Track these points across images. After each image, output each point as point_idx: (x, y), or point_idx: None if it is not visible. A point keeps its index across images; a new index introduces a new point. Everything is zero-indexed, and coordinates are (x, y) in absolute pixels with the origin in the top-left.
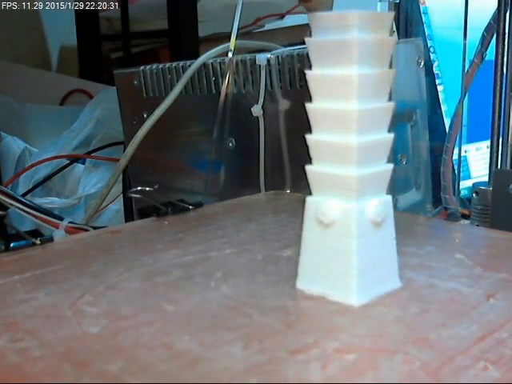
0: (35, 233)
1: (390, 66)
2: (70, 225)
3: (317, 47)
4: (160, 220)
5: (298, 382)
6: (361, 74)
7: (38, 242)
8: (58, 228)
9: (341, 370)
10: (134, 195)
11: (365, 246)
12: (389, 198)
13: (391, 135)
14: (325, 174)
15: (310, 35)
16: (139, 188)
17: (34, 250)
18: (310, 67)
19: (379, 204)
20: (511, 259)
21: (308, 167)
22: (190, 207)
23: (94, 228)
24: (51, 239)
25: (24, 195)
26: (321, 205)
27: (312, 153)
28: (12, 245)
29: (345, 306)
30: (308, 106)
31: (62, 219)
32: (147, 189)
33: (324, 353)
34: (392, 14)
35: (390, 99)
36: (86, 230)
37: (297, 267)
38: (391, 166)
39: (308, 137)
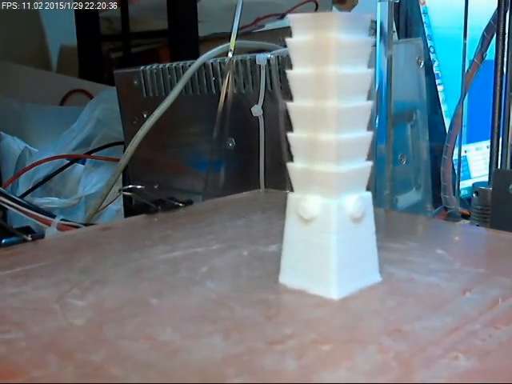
0: (27, 230)
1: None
2: (62, 222)
3: (297, 47)
4: (150, 217)
5: (273, 371)
6: (339, 74)
7: (29, 238)
8: (50, 225)
9: (316, 360)
10: (125, 193)
11: (344, 241)
12: (368, 194)
13: (370, 133)
14: (305, 171)
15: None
16: (130, 186)
17: (25, 246)
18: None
19: (358, 200)
20: (491, 255)
21: (289, 164)
22: (180, 205)
23: (86, 225)
24: (42, 236)
25: (24, 195)
26: (301, 201)
27: (293, 150)
28: (3, 241)
29: (324, 299)
30: (289, 104)
31: (54, 217)
32: (138, 187)
33: (301, 344)
34: (369, 16)
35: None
36: (78, 228)
37: None
38: (370, 163)
39: (289, 135)
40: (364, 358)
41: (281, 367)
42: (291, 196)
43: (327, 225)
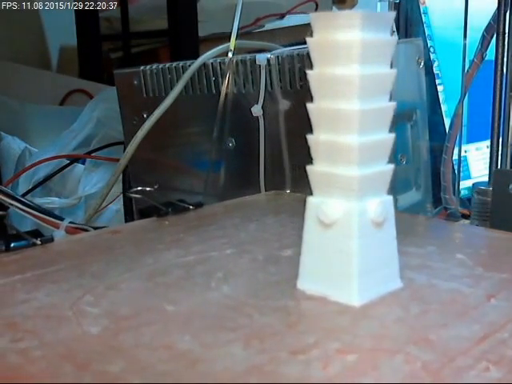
0: (35, 233)
1: (392, 66)
2: (71, 225)
3: (318, 47)
4: (160, 220)
5: (298, 382)
6: (362, 74)
7: (39, 242)
8: (58, 228)
9: (342, 370)
10: (133, 195)
11: (366, 246)
12: (390, 198)
13: (392, 135)
14: (326, 174)
15: (311, 35)
16: (139, 188)
17: (34, 250)
18: (311, 67)
19: (380, 204)
20: None
21: (309, 167)
22: (191, 207)
23: (95, 228)
24: (51, 239)
25: (24, 195)
26: (322, 205)
27: (313, 153)
28: (12, 245)
29: (346, 306)
30: (309, 105)
31: (62, 219)
32: (147, 189)
33: (325, 353)
34: (393, 14)
35: (390, 99)
36: (86, 230)
37: (297, 267)
38: (392, 166)
39: (309, 137)
40: (391, 369)
41: (306, 378)
42: (311, 199)
43: (348, 229)
